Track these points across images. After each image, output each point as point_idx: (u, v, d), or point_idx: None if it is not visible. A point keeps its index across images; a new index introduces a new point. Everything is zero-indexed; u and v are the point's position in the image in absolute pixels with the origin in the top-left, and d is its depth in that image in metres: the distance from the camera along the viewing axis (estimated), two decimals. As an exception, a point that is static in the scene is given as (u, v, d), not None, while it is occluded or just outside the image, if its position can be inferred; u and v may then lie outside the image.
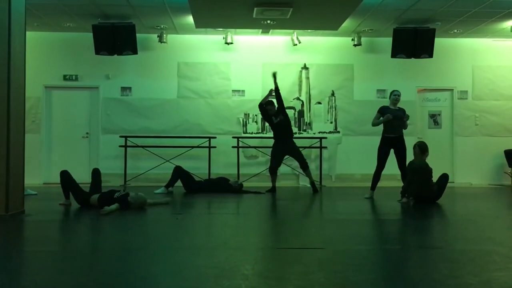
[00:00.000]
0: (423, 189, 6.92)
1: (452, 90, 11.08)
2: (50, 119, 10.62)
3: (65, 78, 10.56)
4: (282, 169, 9.31)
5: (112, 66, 10.46)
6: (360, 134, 10.64)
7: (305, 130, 10.82)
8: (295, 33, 10.30)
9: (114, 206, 5.77)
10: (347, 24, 9.45)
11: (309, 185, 8.86)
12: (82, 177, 10.43)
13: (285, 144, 8.57)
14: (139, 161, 10.37)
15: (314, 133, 10.73)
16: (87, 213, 5.99)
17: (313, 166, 10.43)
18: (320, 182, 10.12)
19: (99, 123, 10.62)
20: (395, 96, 7.63)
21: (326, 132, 10.74)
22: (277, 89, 8.50)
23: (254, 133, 10.66)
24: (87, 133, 10.68)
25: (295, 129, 10.63)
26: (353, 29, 10.10)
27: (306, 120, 10.85)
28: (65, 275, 3.06)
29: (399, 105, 7.70)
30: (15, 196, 5.45)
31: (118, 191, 6.22)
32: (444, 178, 7.21)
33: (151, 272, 3.06)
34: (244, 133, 10.68)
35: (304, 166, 8.58)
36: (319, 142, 10.44)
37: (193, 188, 8.55)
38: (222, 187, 8.49)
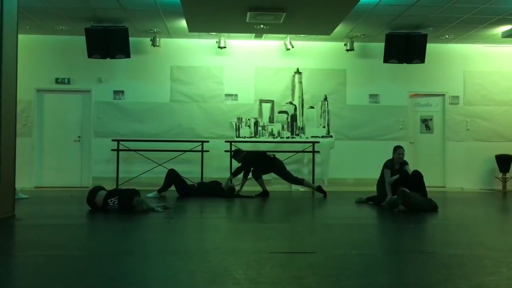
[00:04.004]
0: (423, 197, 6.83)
1: (443, 95, 11.15)
2: (42, 123, 10.56)
3: (57, 81, 10.52)
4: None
5: (104, 69, 10.44)
6: (353, 139, 10.69)
7: (297, 135, 10.83)
8: (288, 37, 10.33)
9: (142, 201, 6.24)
10: (340, 29, 9.49)
11: (302, 189, 8.96)
12: (73, 181, 10.50)
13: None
14: (132, 165, 10.34)
15: (307, 138, 10.76)
16: (79, 217, 5.97)
17: (305, 170, 10.46)
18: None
19: (91, 127, 10.58)
20: (399, 154, 7.33)
21: (319, 137, 10.77)
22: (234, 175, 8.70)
23: (247, 137, 10.66)
24: (79, 136, 10.63)
25: (287, 134, 10.71)
26: (346, 34, 10.15)
27: (299, 125, 10.86)
28: (56, 280, 3.04)
29: None
30: (5, 200, 5.41)
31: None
32: (417, 173, 7.12)
33: (142, 277, 3.05)
34: (237, 137, 10.68)
35: (294, 183, 8.90)
36: (311, 147, 10.46)
37: (186, 192, 8.53)
38: (215, 191, 8.48)
